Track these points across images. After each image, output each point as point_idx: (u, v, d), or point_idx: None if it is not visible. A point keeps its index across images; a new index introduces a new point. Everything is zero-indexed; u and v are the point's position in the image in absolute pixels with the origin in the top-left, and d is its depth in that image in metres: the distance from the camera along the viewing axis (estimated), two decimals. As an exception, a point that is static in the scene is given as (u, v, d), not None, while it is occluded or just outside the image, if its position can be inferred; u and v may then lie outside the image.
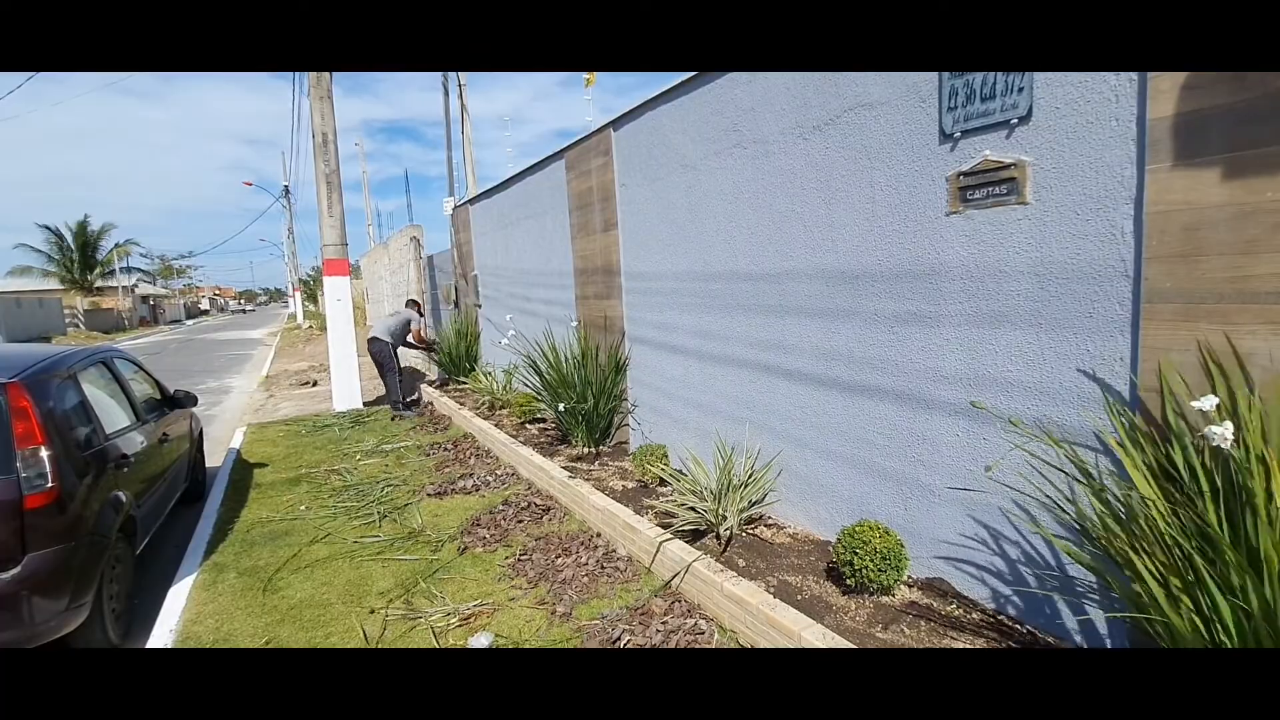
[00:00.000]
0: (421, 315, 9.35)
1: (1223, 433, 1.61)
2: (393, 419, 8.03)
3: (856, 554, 2.70)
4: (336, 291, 8.71)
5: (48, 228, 37.45)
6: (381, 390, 9.35)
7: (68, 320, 33.30)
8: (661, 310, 4.66)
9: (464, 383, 8.57)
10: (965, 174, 2.49)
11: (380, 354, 8.30)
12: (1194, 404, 1.74)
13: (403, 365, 8.63)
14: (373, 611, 3.25)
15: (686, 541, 3.36)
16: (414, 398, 8.99)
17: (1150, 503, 1.85)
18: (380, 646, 2.94)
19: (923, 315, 2.73)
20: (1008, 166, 2.34)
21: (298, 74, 14.59)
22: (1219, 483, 1.77)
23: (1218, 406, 1.71)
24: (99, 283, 40.92)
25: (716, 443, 3.93)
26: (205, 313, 75.05)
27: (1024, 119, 2.29)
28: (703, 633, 2.81)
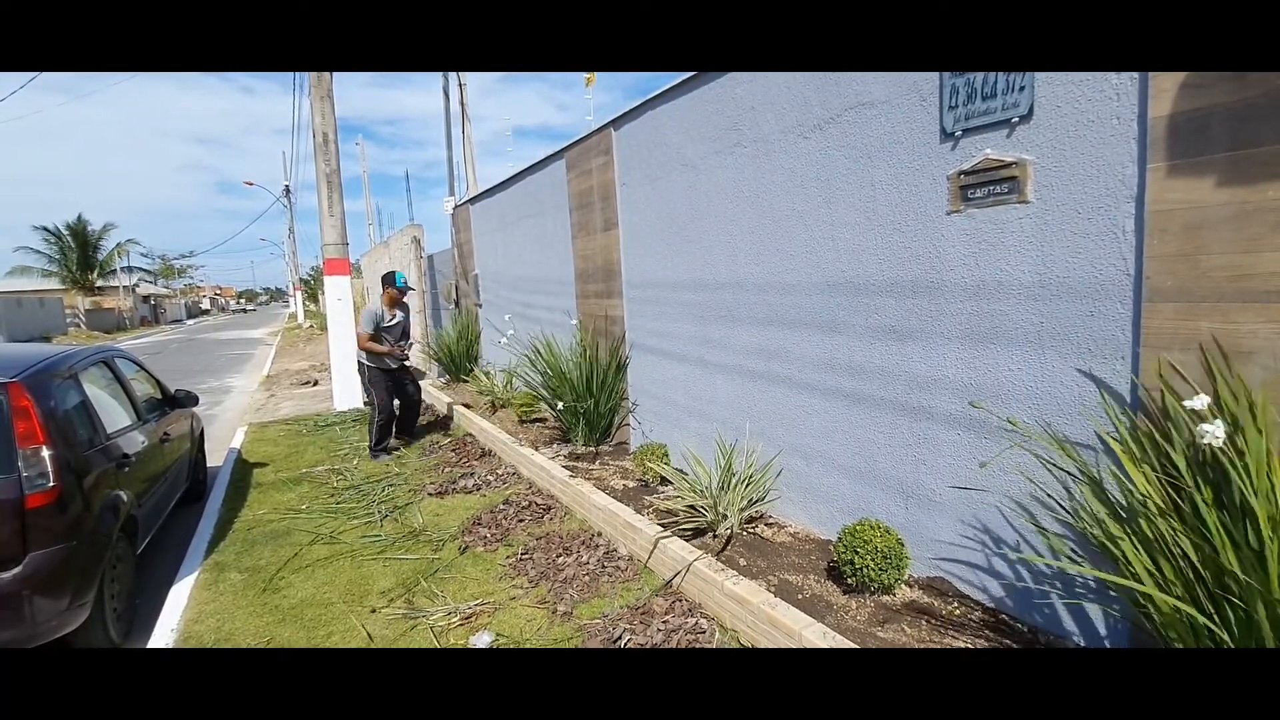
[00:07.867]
0: (379, 308, 6.21)
1: (1214, 430, 1.61)
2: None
3: (857, 553, 2.70)
4: (337, 291, 8.71)
5: (46, 228, 37.49)
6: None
7: (69, 320, 33.27)
8: (662, 308, 4.65)
9: (465, 382, 8.57)
10: (966, 173, 2.49)
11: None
12: (1186, 404, 1.75)
13: (374, 376, 6.22)
14: (374, 611, 3.25)
15: (687, 540, 3.36)
16: (386, 444, 6.34)
17: (1150, 501, 1.85)
18: (381, 646, 2.95)
19: (923, 314, 2.73)
20: (1009, 165, 2.34)
21: (297, 74, 14.58)
22: (1218, 481, 1.77)
23: (1209, 405, 1.72)
24: (100, 282, 40.91)
25: (717, 440, 3.93)
26: (206, 312, 75.06)
27: (1025, 118, 2.29)
28: (703, 632, 2.81)
